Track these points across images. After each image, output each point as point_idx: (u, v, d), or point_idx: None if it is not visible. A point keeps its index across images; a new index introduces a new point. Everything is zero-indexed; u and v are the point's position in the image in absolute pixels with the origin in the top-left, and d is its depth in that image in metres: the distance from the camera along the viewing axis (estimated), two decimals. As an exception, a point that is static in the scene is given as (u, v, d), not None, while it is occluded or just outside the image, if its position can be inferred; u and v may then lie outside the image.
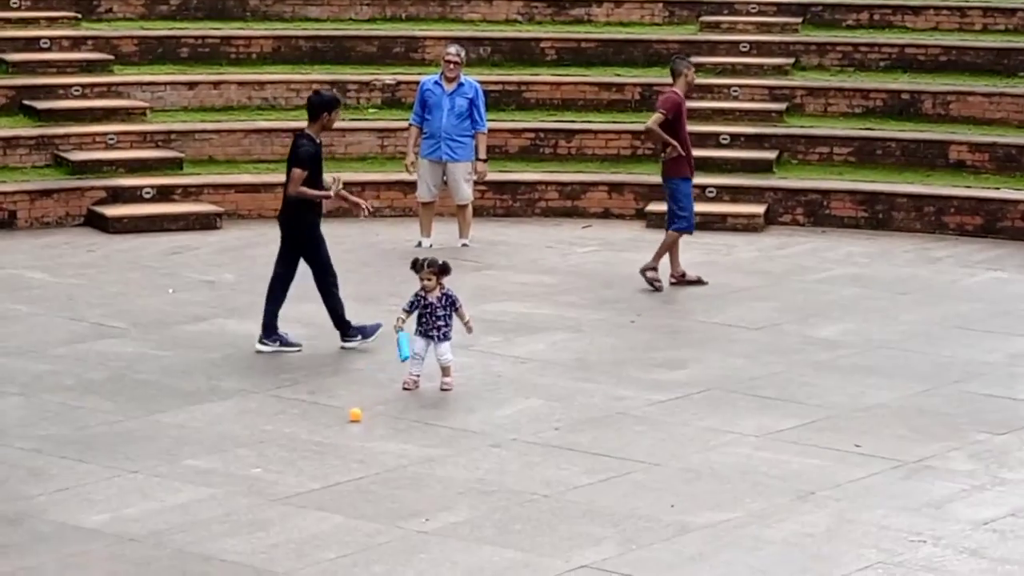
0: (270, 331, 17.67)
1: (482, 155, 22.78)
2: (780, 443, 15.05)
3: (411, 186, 23.43)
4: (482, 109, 22.77)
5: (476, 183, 23.04)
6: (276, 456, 14.58)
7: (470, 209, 22.91)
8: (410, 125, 23.08)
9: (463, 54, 22.97)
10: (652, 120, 20.87)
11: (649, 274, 20.62)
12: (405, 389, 16.39)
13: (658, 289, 20.47)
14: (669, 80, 21.38)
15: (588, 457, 14.62)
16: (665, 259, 20.66)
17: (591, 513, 13.34)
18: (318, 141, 17.84)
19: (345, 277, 20.33)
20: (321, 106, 17.74)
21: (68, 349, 17.51)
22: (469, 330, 16.53)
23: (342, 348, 17.74)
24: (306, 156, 17.56)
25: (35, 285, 20.38)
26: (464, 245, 22.58)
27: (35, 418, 15.09)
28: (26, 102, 25.60)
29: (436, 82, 22.75)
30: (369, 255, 22.28)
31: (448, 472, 14.24)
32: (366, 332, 17.79)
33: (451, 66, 22.64)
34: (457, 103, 22.56)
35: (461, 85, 22.67)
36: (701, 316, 19.42)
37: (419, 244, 22.34)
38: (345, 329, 17.80)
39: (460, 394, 16.34)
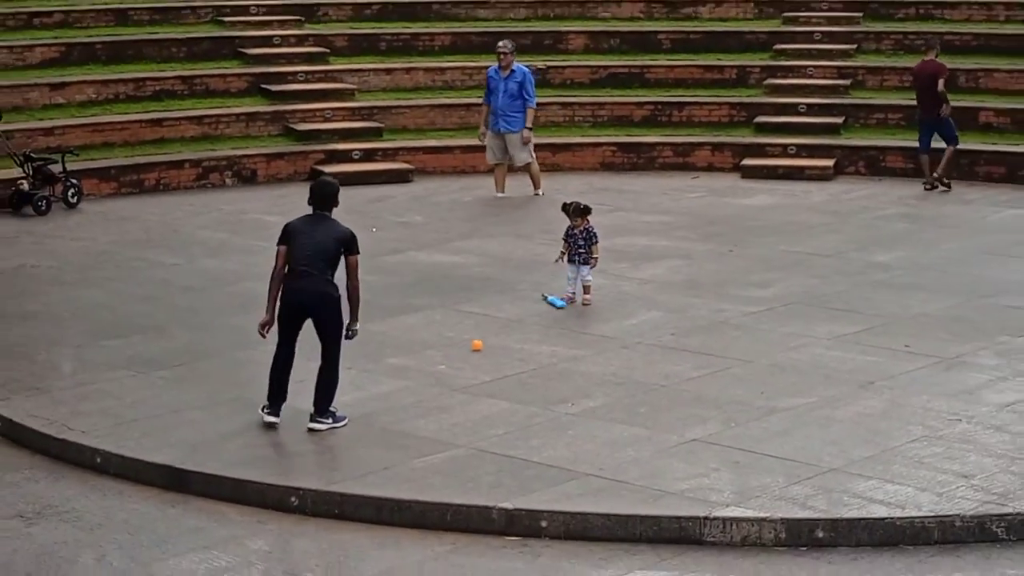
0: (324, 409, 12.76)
1: (528, 124, 22.48)
2: (846, 344, 14.97)
3: (562, 147, 23.73)
4: (530, 89, 22.48)
5: (533, 145, 22.76)
6: (457, 356, 14.67)
7: (534, 166, 22.65)
8: (482, 104, 22.98)
9: (511, 46, 22.72)
10: (943, 84, 23.00)
11: (944, 182, 22.91)
12: (566, 302, 16.43)
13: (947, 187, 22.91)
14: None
15: (696, 356, 14.60)
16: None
17: (699, 399, 13.34)
18: None
19: (506, 218, 20.45)
20: (336, 193, 12.85)
21: (297, 275, 17.64)
22: (592, 263, 16.45)
23: (310, 429, 12.64)
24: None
25: (271, 226, 20.28)
26: (537, 194, 22.45)
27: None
28: (263, 86, 25.81)
29: (496, 70, 22.58)
30: (523, 202, 22.30)
31: (588, 368, 14.28)
32: (336, 417, 12.71)
33: (501, 57, 22.49)
34: (509, 86, 22.36)
35: (513, 72, 22.44)
36: (784, 246, 19.29)
37: (496, 196, 22.38)
38: (319, 414, 12.69)
39: (597, 308, 16.35)
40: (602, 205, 19.85)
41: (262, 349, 14.42)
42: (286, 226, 12.71)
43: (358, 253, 12.63)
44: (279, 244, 12.62)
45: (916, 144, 23.65)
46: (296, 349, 12.74)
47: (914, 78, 23.69)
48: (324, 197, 12.75)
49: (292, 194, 22.59)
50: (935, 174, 22.99)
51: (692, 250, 19.08)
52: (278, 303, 12.65)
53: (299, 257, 12.52)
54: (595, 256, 16.44)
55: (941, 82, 23.02)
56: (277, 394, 12.71)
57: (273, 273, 12.64)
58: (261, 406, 12.77)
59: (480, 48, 26.91)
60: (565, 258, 16.48)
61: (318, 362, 12.75)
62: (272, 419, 12.64)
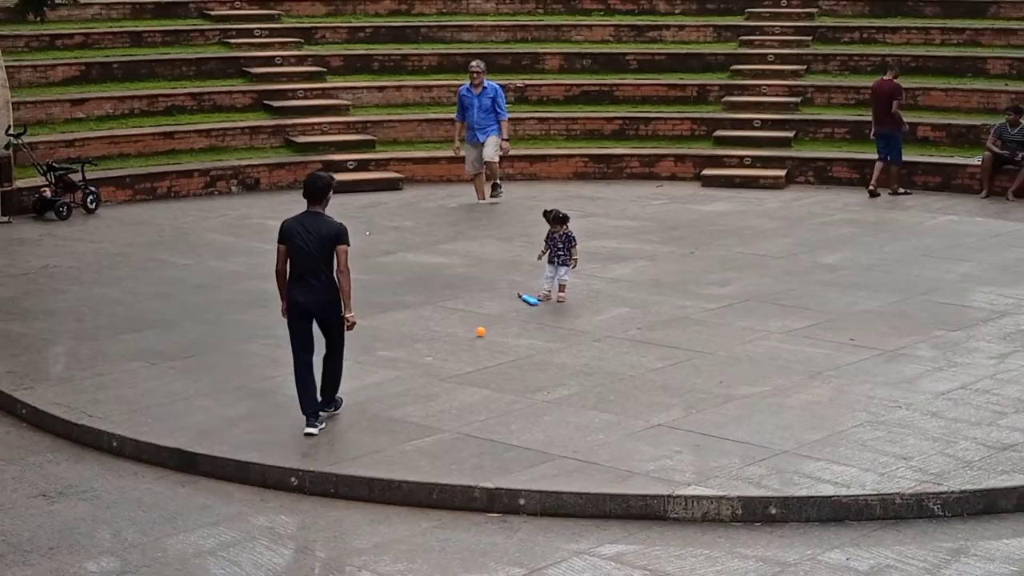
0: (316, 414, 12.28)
1: (504, 135, 22.39)
2: (796, 337, 14.98)
3: (539, 158, 23.50)
4: (502, 103, 22.37)
5: (503, 156, 22.62)
6: (443, 349, 14.65)
7: (495, 166, 22.48)
8: (455, 122, 22.89)
9: (483, 66, 22.64)
10: (897, 105, 23.15)
11: (901, 191, 23.06)
12: (539, 300, 16.41)
13: (908, 193, 23.21)
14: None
15: (661, 348, 14.61)
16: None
17: (663, 388, 13.34)
18: None
19: (487, 223, 20.44)
20: (328, 187, 12.46)
21: (297, 274, 17.59)
22: (572, 265, 16.49)
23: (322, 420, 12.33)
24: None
25: (273, 230, 20.20)
26: (497, 182, 22.48)
27: (273, 323, 15.19)
28: (266, 102, 25.80)
29: (468, 88, 22.44)
30: (504, 208, 22.29)
31: (563, 359, 14.27)
32: (337, 404, 12.59)
33: (473, 75, 22.39)
34: (483, 102, 22.24)
35: (485, 89, 22.34)
36: (740, 248, 19.32)
37: (477, 203, 22.35)
38: (328, 404, 12.47)
39: (571, 305, 16.35)
40: (575, 211, 19.82)
41: (265, 342, 14.44)
42: (283, 225, 12.39)
43: (348, 244, 12.21)
44: (279, 243, 12.44)
45: (861, 156, 23.78)
46: (313, 358, 12.23)
47: (872, 94, 23.71)
48: (315, 190, 12.35)
49: (292, 200, 22.43)
50: (891, 191, 23.03)
51: (657, 252, 19.09)
52: (287, 310, 12.27)
53: (299, 264, 12.18)
54: (575, 257, 16.45)
55: (895, 104, 23.00)
56: (311, 409, 12.14)
57: (276, 270, 12.46)
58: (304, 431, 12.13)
59: (464, 68, 26.78)
60: (546, 257, 16.50)
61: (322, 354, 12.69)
62: (312, 430, 12.05)
